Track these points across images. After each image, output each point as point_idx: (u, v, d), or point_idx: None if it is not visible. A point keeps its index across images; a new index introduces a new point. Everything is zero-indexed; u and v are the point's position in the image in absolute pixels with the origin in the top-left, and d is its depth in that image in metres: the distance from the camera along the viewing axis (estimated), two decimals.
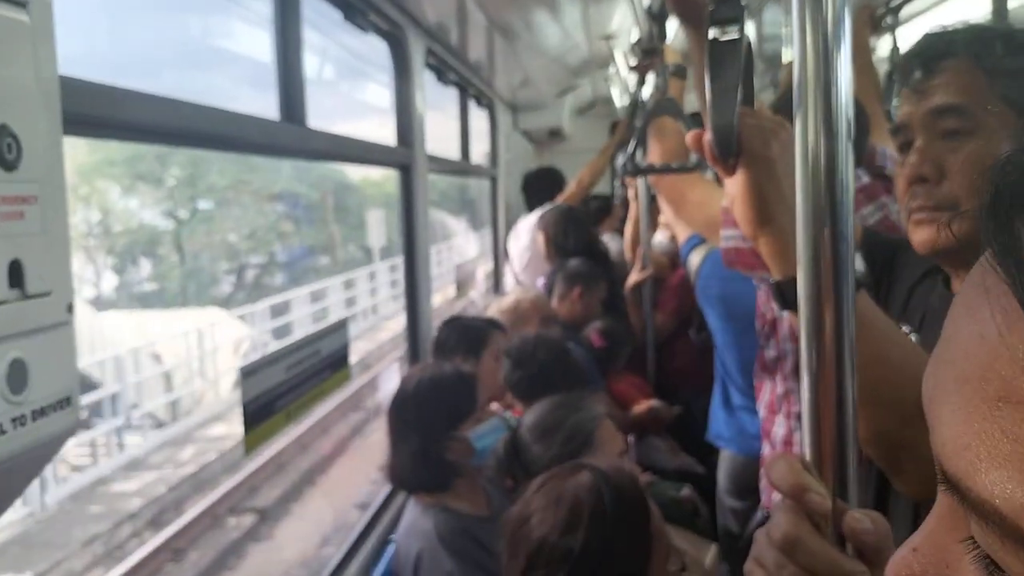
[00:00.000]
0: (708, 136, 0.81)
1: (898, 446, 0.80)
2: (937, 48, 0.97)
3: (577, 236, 3.55)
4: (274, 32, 1.63)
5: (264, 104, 1.70)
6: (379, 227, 13.62)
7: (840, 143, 0.58)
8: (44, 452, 0.76)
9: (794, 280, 0.80)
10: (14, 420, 0.71)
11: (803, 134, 0.60)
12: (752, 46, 0.83)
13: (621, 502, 1.15)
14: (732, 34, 0.78)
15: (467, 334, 2.32)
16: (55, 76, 0.78)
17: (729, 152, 0.80)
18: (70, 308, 0.78)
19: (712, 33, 0.79)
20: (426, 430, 1.74)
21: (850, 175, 0.59)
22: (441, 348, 2.33)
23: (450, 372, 1.82)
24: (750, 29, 3.45)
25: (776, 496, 1.87)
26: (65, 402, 0.78)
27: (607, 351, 3.00)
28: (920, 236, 0.98)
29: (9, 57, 0.72)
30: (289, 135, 1.62)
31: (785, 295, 0.82)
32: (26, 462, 0.74)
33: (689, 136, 0.86)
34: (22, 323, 0.72)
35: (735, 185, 0.83)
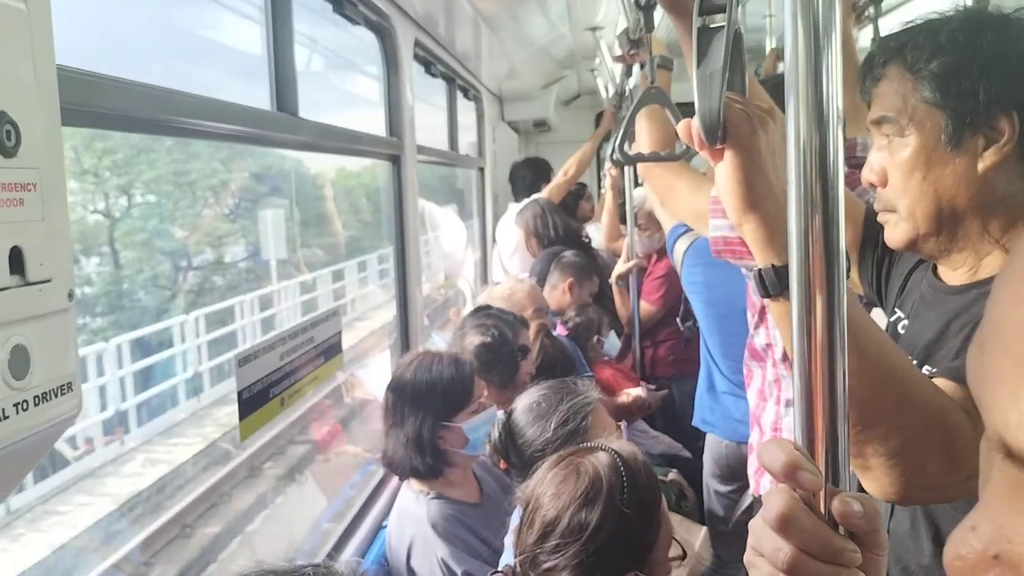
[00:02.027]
0: (695, 121, 0.82)
1: (864, 441, 0.82)
2: (881, 55, 1.04)
3: (556, 225, 3.62)
4: (266, 23, 1.64)
5: (249, 95, 1.70)
6: (277, 232, 9.65)
7: (830, 132, 0.60)
8: (46, 437, 0.77)
9: (774, 268, 0.82)
10: (16, 405, 0.72)
11: (795, 123, 0.61)
12: (742, 34, 0.84)
13: (636, 483, 1.18)
14: (719, 22, 0.80)
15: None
16: (53, 64, 0.78)
17: (714, 138, 0.81)
18: (70, 295, 0.79)
19: (699, 21, 0.81)
20: (421, 418, 1.76)
21: (840, 163, 0.61)
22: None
23: (447, 362, 1.83)
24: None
25: (766, 483, 1.89)
26: (66, 387, 0.78)
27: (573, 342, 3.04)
28: (885, 235, 1.09)
29: (7, 45, 0.73)
30: (282, 125, 1.62)
31: (766, 282, 0.83)
32: (28, 447, 0.75)
33: (681, 124, 0.86)
34: (24, 309, 0.73)
35: (721, 171, 0.84)
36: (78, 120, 1.02)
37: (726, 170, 0.82)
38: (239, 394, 1.44)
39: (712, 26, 0.81)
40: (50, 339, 0.76)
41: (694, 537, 1.84)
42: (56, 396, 0.77)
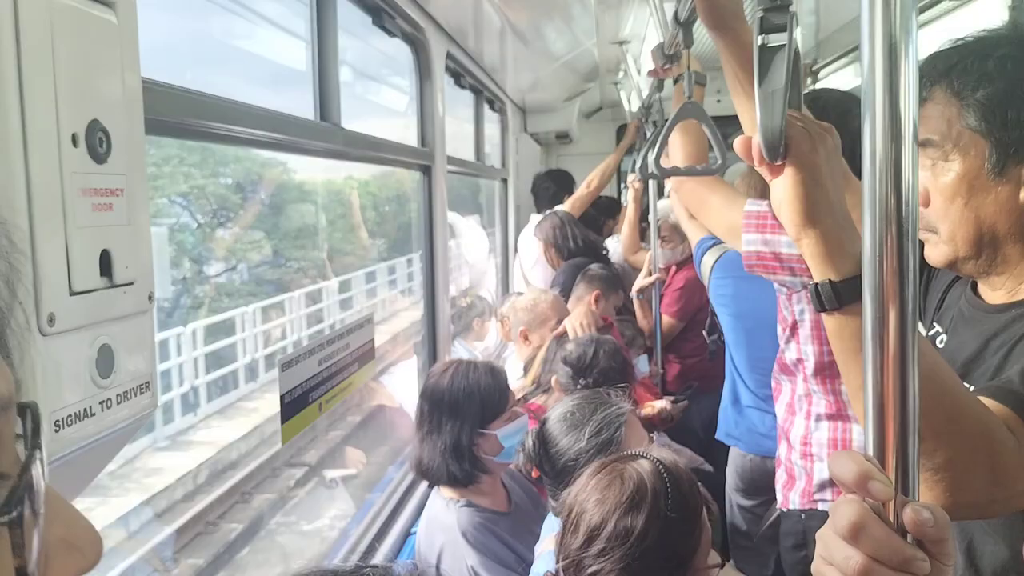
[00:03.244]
0: (757, 138, 0.83)
1: None
2: (928, 77, 1.04)
3: (575, 237, 3.65)
4: (311, 38, 1.68)
5: (276, 103, 1.74)
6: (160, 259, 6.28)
7: (906, 147, 0.62)
8: (125, 432, 0.80)
9: (831, 283, 0.83)
10: (101, 403, 0.75)
11: (871, 138, 0.63)
12: (800, 53, 0.86)
13: (679, 489, 1.20)
14: (780, 40, 0.82)
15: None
16: (138, 74, 0.81)
17: (776, 154, 0.82)
18: (151, 298, 0.82)
19: (760, 39, 0.83)
20: (460, 425, 1.78)
21: (915, 178, 0.63)
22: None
23: (484, 370, 1.85)
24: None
25: (794, 497, 1.88)
26: (145, 387, 0.81)
27: None
28: (925, 253, 1.09)
29: (99, 55, 0.76)
30: (326, 134, 1.66)
31: (822, 297, 0.85)
32: (109, 442, 0.78)
33: (738, 141, 0.88)
34: (110, 311, 0.76)
35: (781, 188, 0.85)
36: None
37: (786, 186, 0.84)
38: (281, 398, 1.47)
39: (771, 45, 0.83)
40: (132, 339, 0.79)
41: None
42: (136, 395, 0.79)
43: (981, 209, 1.00)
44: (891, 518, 0.64)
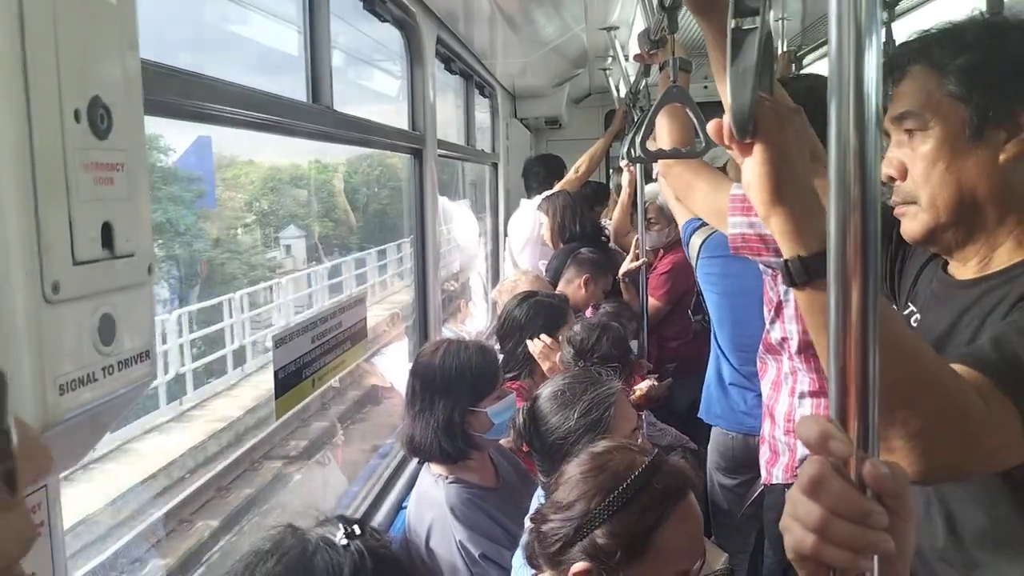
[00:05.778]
0: (727, 118, 0.86)
1: (886, 425, 0.85)
2: (905, 57, 1.09)
3: (582, 221, 3.67)
4: (303, 21, 1.70)
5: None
6: None
7: (870, 132, 0.66)
8: (126, 398, 0.83)
9: (800, 259, 0.87)
10: (104, 369, 0.78)
11: (836, 124, 0.66)
12: (772, 36, 0.90)
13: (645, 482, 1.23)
14: (750, 24, 0.86)
15: (550, 312, 2.53)
16: (138, 53, 0.84)
17: (745, 132, 0.85)
18: (150, 269, 0.85)
19: (733, 22, 0.86)
20: (452, 403, 1.81)
21: (878, 163, 0.66)
22: (514, 325, 2.53)
23: (474, 348, 1.88)
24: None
25: (778, 472, 1.92)
26: (145, 355, 0.84)
27: None
28: (902, 227, 1.13)
29: (99, 35, 0.78)
30: (317, 116, 1.68)
31: (792, 273, 0.88)
32: (110, 407, 0.81)
33: (711, 124, 0.91)
34: (112, 281, 0.79)
35: (749, 166, 0.88)
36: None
37: (755, 165, 0.86)
38: (275, 373, 1.50)
39: (745, 27, 0.87)
40: (133, 309, 0.82)
41: (715, 561, 1.87)
42: (137, 363, 0.83)
43: (962, 172, 1.04)
44: (852, 477, 0.67)
